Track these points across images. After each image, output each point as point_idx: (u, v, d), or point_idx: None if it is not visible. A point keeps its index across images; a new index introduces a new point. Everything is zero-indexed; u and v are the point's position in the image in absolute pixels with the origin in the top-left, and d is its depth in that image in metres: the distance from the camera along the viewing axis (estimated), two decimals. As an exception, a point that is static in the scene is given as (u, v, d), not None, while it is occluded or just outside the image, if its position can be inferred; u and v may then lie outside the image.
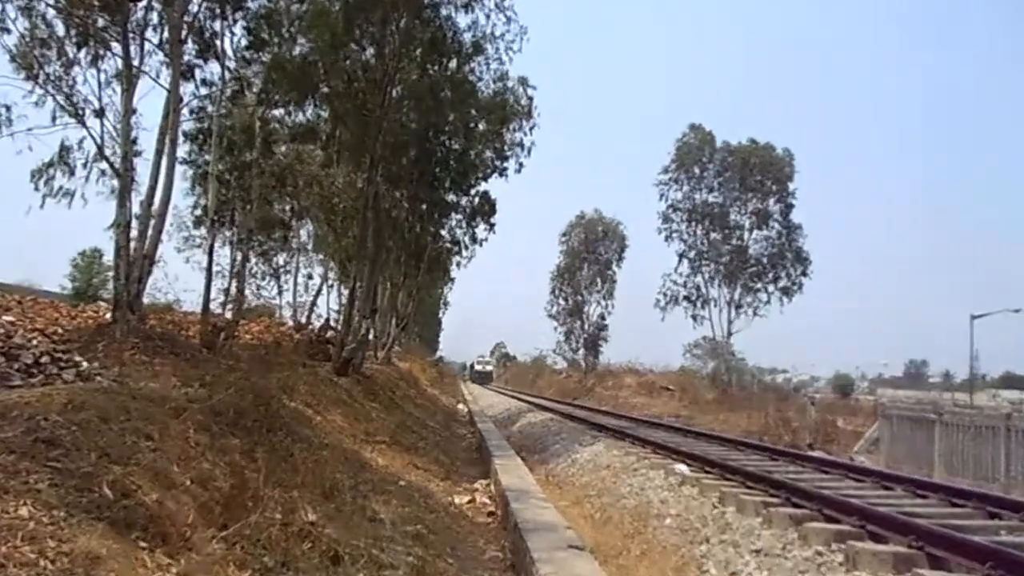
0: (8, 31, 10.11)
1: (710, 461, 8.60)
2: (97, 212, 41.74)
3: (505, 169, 18.68)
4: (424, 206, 18.40)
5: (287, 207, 19.11)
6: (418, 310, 31.63)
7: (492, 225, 20.69)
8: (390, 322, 24.20)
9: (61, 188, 10.98)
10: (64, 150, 10.96)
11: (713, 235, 34.89)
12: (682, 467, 8.42)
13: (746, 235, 34.56)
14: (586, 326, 45.03)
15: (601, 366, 43.02)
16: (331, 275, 28.83)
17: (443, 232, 21.10)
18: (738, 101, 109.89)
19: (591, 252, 44.50)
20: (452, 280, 43.07)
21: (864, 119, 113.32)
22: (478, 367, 77.33)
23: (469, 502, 6.83)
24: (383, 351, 22.15)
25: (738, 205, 34.85)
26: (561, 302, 46.48)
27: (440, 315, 64.74)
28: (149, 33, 10.29)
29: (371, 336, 19.55)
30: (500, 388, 55.11)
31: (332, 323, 19.73)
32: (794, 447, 13.20)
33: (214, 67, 12.05)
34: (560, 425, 16.10)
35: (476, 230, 20.89)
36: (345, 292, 20.18)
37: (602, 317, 44.80)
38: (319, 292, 25.49)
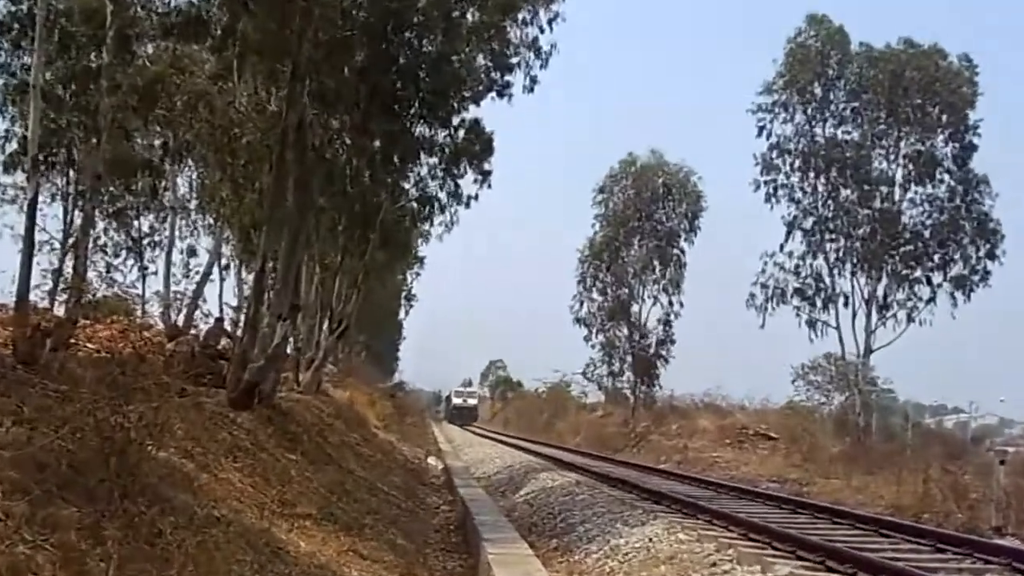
0: None
1: (835, 554, 8.76)
2: None
3: (507, 86, 18.77)
4: (377, 143, 18.51)
5: (157, 142, 19.25)
6: (366, 308, 31.77)
7: (486, 174, 20.82)
8: (321, 327, 24.41)
9: None
10: None
11: (844, 192, 34.87)
12: (787, 568, 8.48)
13: (897, 193, 34.47)
14: (636, 336, 45.27)
15: (661, 399, 43.48)
16: (227, 251, 29.09)
17: (407, 185, 21.23)
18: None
19: (645, 218, 44.81)
20: (420, 261, 43.61)
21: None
22: (457, 400, 79.86)
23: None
24: (309, 372, 22.36)
25: (885, 146, 34.82)
26: (595, 297, 46.92)
27: (401, 317, 65.32)
28: None
29: (290, 348, 19.70)
30: (496, 432, 55.49)
31: (228, 327, 19.88)
32: (973, 531, 13.43)
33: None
34: (592, 492, 16.36)
35: (460, 181, 21.04)
36: (249, 278, 20.27)
37: (665, 323, 45.19)
38: (207, 277, 25.71)
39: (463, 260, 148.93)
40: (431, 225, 24.27)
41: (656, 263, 44.85)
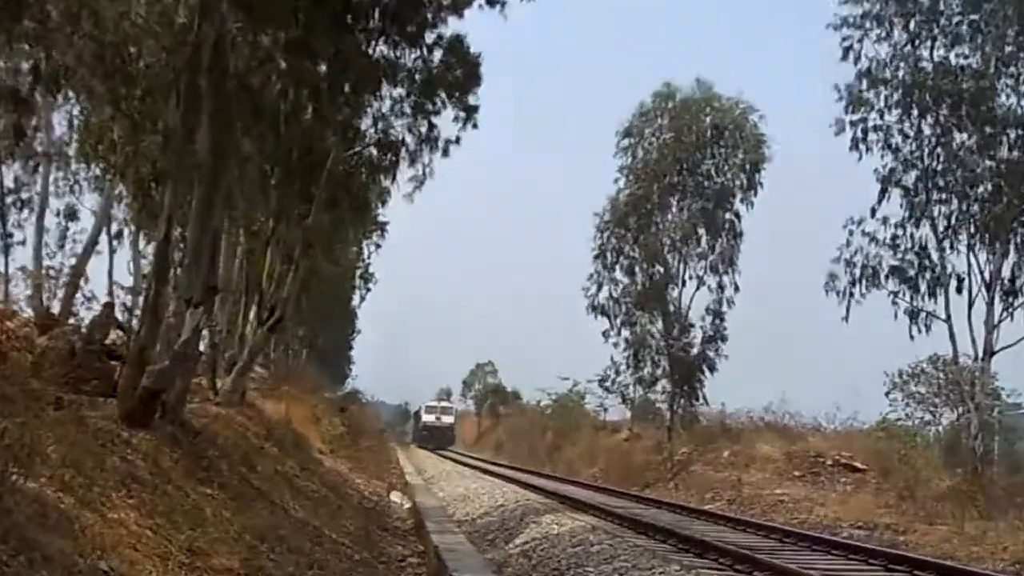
0: None
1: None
2: None
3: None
4: (323, 68, 18.48)
5: (24, 65, 19.12)
6: (308, 292, 31.80)
7: (471, 111, 20.81)
8: (246, 316, 24.44)
9: None
10: None
11: (959, 137, 34.71)
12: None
13: (1031, 139, 34.27)
14: (675, 331, 45.39)
15: (707, 417, 43.73)
16: (119, 213, 29.06)
17: (363, 125, 21.22)
18: None
19: (688, 171, 44.87)
20: (382, 229, 43.64)
21: None
22: (428, 418, 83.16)
23: None
24: (230, 377, 22.42)
25: (1014, 74, 34.59)
26: (619, 278, 47.14)
27: (355, 304, 65.33)
28: None
29: (204, 345, 19.71)
30: (483, 460, 55.55)
31: (120, 315, 19.90)
32: None
33: None
34: (613, 541, 16.44)
35: (435, 120, 21.03)
36: (149, 249, 20.18)
37: (713, 313, 45.22)
38: (92, 248, 25.73)
39: (441, 230, 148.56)
40: (395, 179, 24.24)
41: (702, 232, 45.03)
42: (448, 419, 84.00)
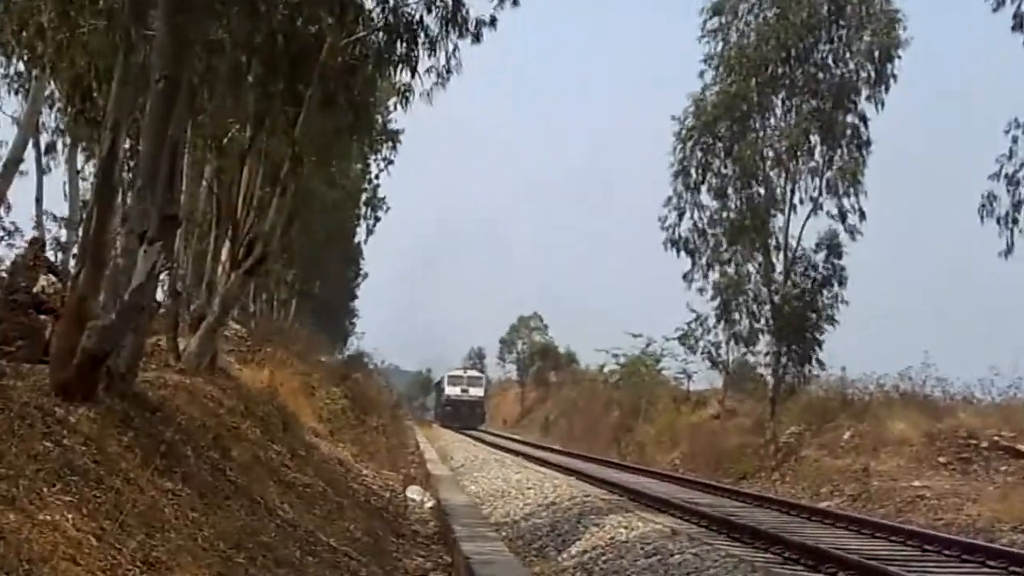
0: None
1: None
2: None
3: None
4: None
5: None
6: (298, 225, 31.83)
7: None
8: (218, 256, 24.47)
9: None
10: None
11: None
12: None
13: None
14: (779, 272, 45.13)
15: (823, 386, 43.55)
16: (50, 120, 29.11)
17: (367, 2, 21.17)
18: None
19: (797, 60, 44.43)
20: (393, 139, 43.44)
21: None
22: (453, 390, 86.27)
23: None
24: (196, 336, 22.47)
25: None
26: (706, 202, 46.91)
27: (359, 238, 65.27)
28: None
29: (163, 294, 19.74)
30: (528, 443, 55.69)
31: (52, 255, 20.01)
32: None
33: None
34: (700, 550, 16.48)
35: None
36: (91, 169, 20.07)
37: (830, 249, 44.76)
38: (15, 167, 25.81)
39: (470, 145, 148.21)
40: (411, 72, 24.06)
41: (816, 140, 44.66)
42: (476, 392, 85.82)
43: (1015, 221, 34.11)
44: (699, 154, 46.33)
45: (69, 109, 24.61)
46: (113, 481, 10.49)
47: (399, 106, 25.93)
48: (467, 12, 21.13)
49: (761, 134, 45.20)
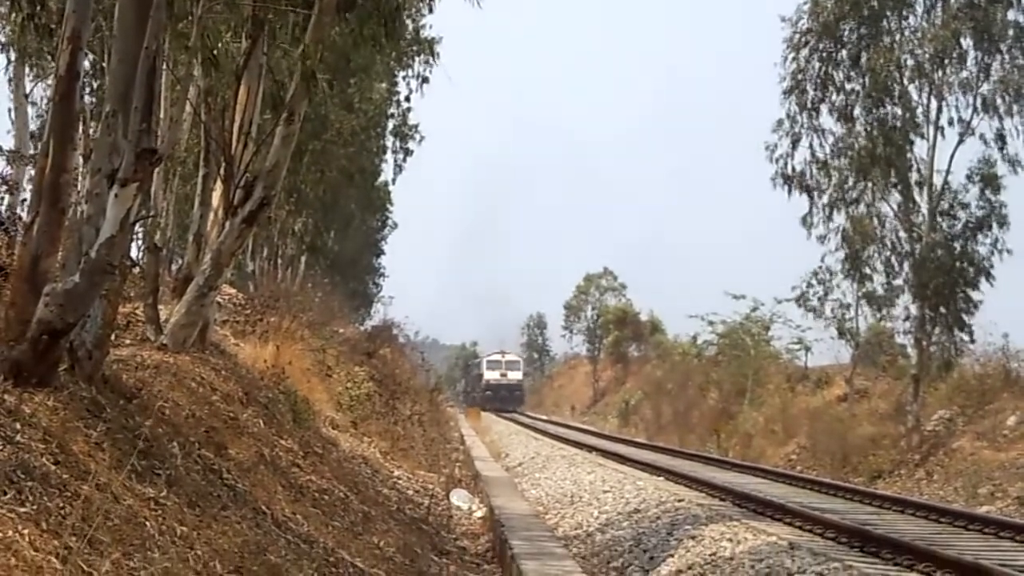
0: None
1: None
2: None
3: None
4: None
5: None
6: (309, 161, 31.92)
7: None
8: (207, 201, 24.53)
9: None
10: None
11: None
12: None
13: None
14: (921, 213, 44.77)
15: (979, 359, 43.47)
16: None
17: None
18: None
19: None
20: (429, 48, 43.48)
21: None
22: (491, 376, 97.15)
23: None
24: (183, 302, 22.53)
25: None
26: (826, 126, 47.13)
27: (386, 179, 65.33)
28: None
29: (138, 250, 19.78)
30: (602, 436, 55.77)
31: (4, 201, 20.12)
32: None
33: None
34: (823, 568, 16.57)
35: None
36: (43, 91, 20.02)
37: (986, 182, 44.55)
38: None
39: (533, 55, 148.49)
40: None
41: (968, 44, 44.33)
42: (515, 375, 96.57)
43: None
44: (817, 65, 46.01)
45: (14, 15, 24.65)
46: (80, 487, 10.46)
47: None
48: None
49: (897, 37, 44.78)
